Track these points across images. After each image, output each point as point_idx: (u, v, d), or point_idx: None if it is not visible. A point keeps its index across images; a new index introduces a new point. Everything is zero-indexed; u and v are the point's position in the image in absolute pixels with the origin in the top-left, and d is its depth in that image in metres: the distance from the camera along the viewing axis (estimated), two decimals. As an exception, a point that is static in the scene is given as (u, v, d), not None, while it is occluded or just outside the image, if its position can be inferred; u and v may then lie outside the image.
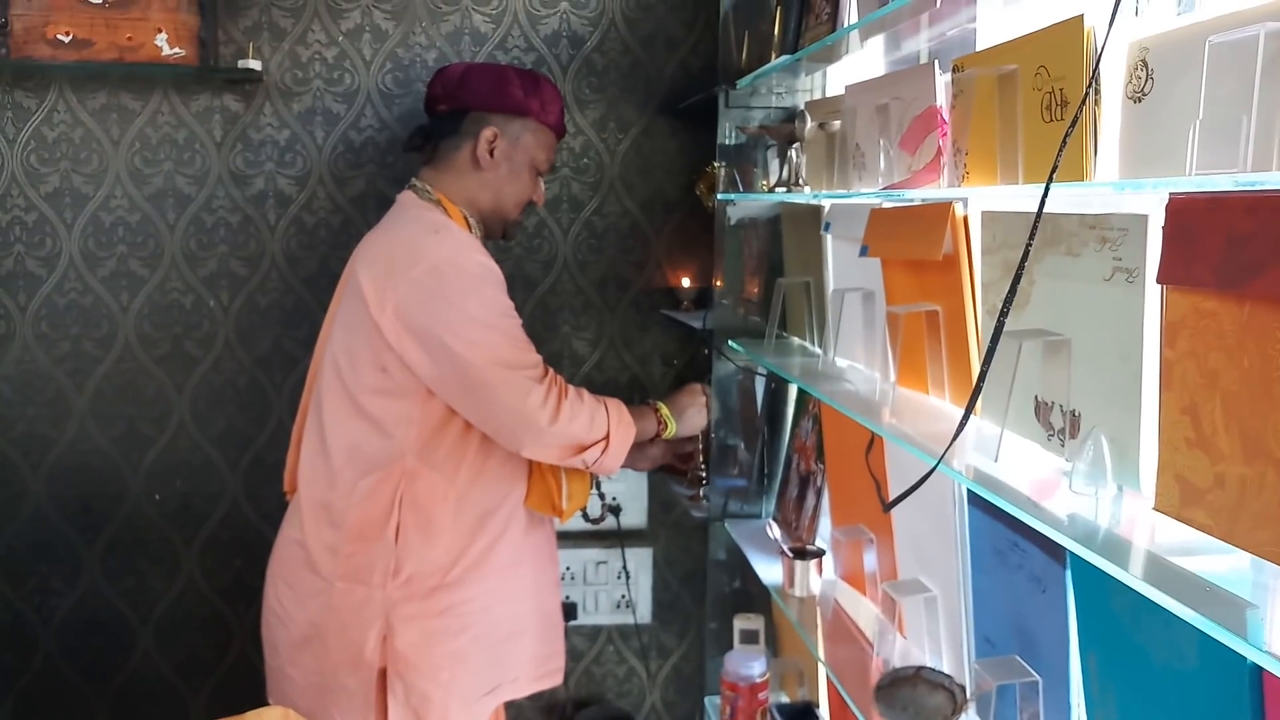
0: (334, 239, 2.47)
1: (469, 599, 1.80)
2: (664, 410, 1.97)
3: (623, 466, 1.89)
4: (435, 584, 1.78)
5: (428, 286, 1.70)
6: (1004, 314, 0.94)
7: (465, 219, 1.86)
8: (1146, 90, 0.99)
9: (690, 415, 2.00)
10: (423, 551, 1.77)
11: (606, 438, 1.78)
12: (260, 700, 1.82)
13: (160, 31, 2.35)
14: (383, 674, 1.79)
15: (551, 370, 1.78)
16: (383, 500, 1.76)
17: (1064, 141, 0.86)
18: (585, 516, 2.07)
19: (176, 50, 2.35)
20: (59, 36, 2.33)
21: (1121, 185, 0.90)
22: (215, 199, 2.46)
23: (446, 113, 1.89)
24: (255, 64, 2.35)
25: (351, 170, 2.47)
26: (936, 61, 1.41)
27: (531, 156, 1.90)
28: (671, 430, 1.96)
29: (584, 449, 1.76)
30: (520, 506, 1.86)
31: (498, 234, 1.95)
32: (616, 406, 1.84)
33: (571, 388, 1.79)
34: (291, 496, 1.93)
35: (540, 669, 1.93)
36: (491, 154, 1.86)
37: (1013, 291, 0.93)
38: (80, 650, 2.55)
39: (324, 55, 2.44)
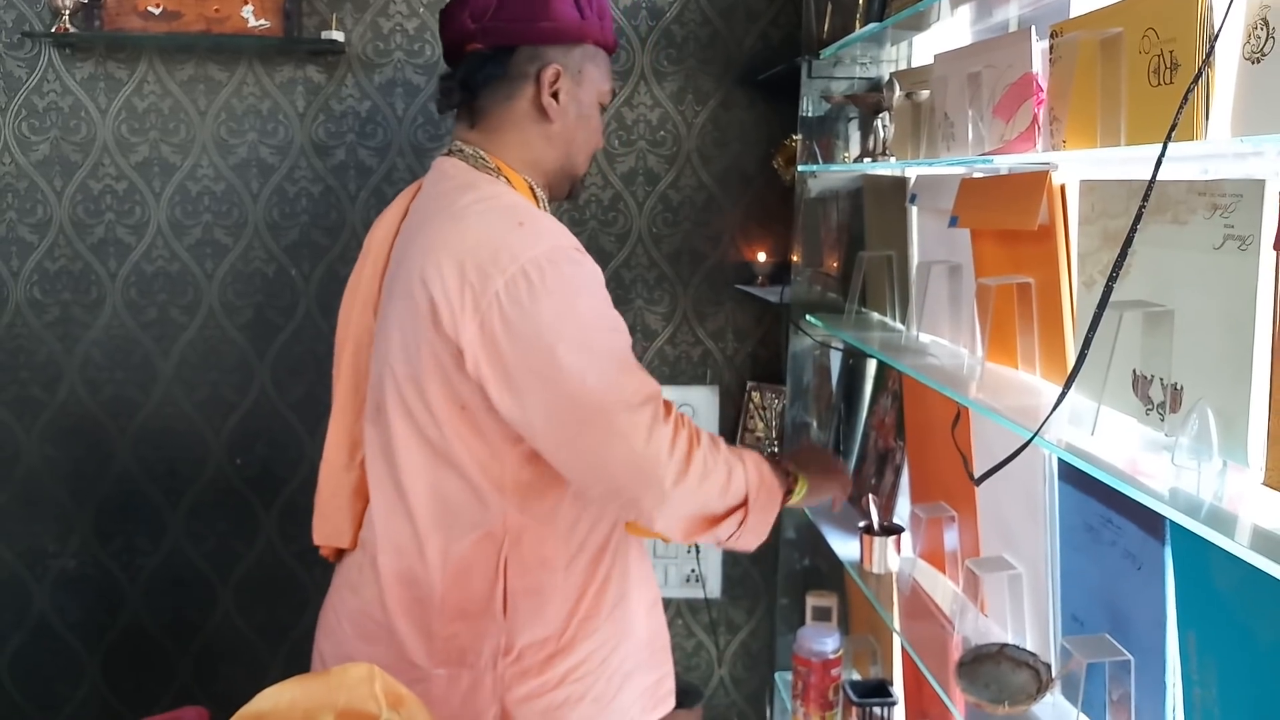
0: (412, 210, 2.50)
1: (585, 658, 1.47)
2: (790, 465, 1.53)
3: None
4: (551, 651, 1.45)
5: (520, 296, 1.30)
6: (1111, 281, 0.92)
7: (532, 189, 1.49)
8: (1266, 50, 0.95)
9: (823, 481, 1.57)
10: (535, 620, 1.44)
11: (745, 504, 1.37)
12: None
13: (246, 3, 2.38)
14: None
15: (674, 406, 1.38)
16: (483, 568, 1.41)
17: (1185, 98, 0.83)
18: None
19: (262, 22, 2.39)
20: (149, 9, 2.38)
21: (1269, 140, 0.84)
22: (298, 169, 2.49)
23: (484, 52, 1.45)
24: (338, 35, 2.37)
25: (431, 142, 2.49)
26: (1034, 28, 1.38)
27: (598, 90, 1.52)
28: (800, 494, 1.51)
29: (716, 521, 1.36)
30: (621, 531, 1.53)
31: (565, 194, 1.56)
32: (755, 460, 1.42)
33: (704, 431, 1.37)
34: (335, 556, 1.60)
35: (651, 699, 1.59)
36: (557, 98, 1.46)
37: (1122, 258, 0.90)
38: (164, 609, 2.62)
39: (405, 27, 2.46)
